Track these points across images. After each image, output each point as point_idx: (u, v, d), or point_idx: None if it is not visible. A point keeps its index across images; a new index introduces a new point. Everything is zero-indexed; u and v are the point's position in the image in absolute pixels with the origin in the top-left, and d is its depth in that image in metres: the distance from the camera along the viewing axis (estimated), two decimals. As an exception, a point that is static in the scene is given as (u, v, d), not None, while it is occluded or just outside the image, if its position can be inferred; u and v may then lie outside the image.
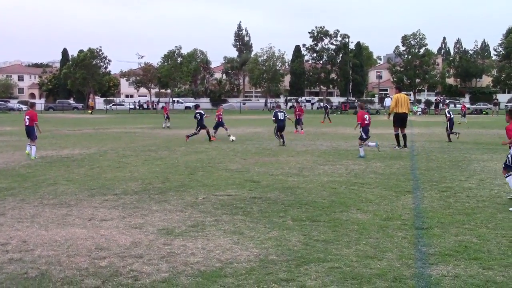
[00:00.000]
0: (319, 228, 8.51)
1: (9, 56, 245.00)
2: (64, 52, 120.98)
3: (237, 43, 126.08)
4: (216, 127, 27.69)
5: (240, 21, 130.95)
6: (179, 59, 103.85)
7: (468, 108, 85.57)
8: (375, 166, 16.27)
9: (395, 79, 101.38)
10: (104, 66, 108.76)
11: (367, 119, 19.36)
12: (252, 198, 11.06)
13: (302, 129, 32.78)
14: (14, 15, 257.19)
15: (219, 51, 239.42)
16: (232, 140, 25.44)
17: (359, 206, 10.22)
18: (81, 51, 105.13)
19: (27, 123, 19.48)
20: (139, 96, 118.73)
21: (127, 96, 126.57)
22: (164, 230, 8.47)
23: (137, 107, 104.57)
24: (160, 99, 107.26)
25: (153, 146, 23.38)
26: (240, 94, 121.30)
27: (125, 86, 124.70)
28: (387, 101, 79.21)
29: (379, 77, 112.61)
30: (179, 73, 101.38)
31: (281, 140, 23.39)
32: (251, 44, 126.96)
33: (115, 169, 15.90)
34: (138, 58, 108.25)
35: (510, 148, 11.15)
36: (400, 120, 21.88)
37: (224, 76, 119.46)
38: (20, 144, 23.28)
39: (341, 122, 49.53)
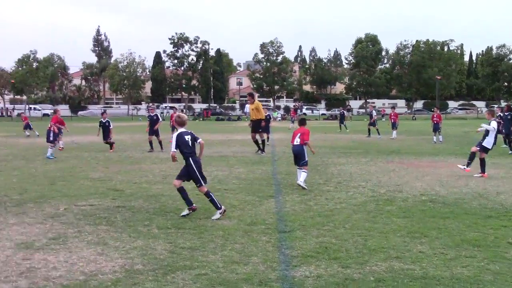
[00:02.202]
0: (185, 235, 8.52)
1: None
2: None
3: (96, 48, 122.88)
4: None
5: (99, 26, 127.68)
6: (34, 64, 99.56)
7: (324, 114, 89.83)
8: (238, 171, 16.55)
9: (255, 86, 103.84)
10: None
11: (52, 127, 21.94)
12: (115, 207, 10.85)
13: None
14: None
15: (78, 56, 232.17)
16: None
17: (224, 212, 10.35)
18: None
19: None
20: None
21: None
22: (22, 244, 8.08)
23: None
24: (16, 106, 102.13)
25: (9, 156, 22.21)
26: (101, 100, 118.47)
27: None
28: (247, 107, 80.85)
29: (240, 83, 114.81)
30: (35, 78, 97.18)
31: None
32: (111, 49, 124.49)
33: (-34, 181, 14.93)
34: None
35: None
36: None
37: (84, 82, 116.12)
38: None
39: (203, 128, 49.72)
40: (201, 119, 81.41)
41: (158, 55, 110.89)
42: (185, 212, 10.01)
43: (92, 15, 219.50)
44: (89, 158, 21.04)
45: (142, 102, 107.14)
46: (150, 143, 24.26)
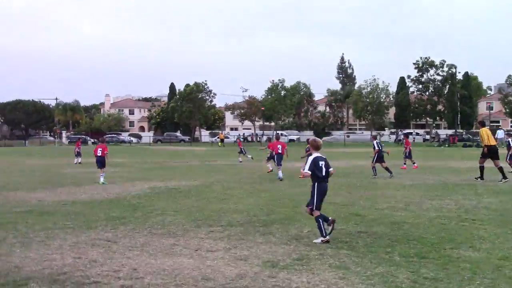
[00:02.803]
0: (428, 265, 8.18)
1: (121, 91, 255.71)
2: (172, 87, 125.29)
3: (340, 75, 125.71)
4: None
5: (343, 53, 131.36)
6: (282, 92, 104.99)
7: None
8: (488, 201, 15.53)
9: (507, 110, 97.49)
10: (210, 99, 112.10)
11: (280, 148, 23.66)
12: (357, 232, 10.85)
13: (405, 163, 30.78)
14: (125, 52, 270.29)
15: (322, 83, 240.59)
16: None
17: (471, 243, 9.74)
18: (187, 85, 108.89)
19: (99, 154, 22.13)
20: (243, 128, 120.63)
21: (231, 129, 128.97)
22: (269, 262, 8.44)
23: (242, 139, 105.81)
24: (264, 131, 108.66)
25: (257, 178, 23.58)
26: (344, 126, 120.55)
27: (229, 119, 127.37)
28: (499, 133, 76.03)
29: (490, 108, 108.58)
30: (283, 106, 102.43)
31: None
32: (354, 76, 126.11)
33: (221, 200, 16.15)
34: (242, 91, 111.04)
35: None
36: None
37: (328, 109, 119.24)
38: (131, 176, 24.16)
39: (449, 155, 47.91)
40: (446, 145, 78.52)
41: (402, 80, 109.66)
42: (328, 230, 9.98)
43: (337, 42, 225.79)
44: (331, 183, 21.36)
45: (385, 128, 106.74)
46: (373, 168, 24.31)
